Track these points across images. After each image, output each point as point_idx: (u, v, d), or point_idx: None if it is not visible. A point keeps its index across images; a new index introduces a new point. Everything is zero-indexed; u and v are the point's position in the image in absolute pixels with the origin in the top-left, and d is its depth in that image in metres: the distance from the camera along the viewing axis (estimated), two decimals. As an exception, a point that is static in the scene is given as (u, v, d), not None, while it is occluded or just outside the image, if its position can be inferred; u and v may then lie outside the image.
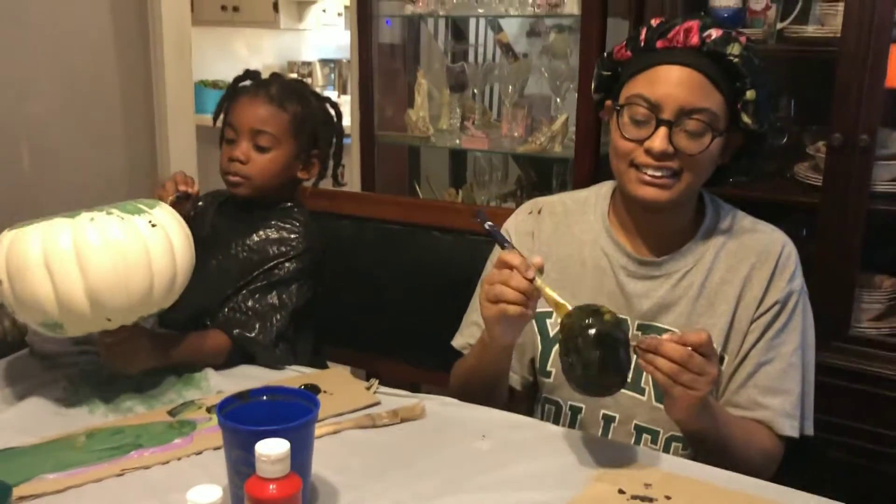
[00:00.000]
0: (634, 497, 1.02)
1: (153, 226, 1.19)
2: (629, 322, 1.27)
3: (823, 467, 1.61)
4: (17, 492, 0.98)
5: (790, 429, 1.22)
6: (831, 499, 1.03)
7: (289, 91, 1.53)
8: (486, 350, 1.22)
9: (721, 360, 1.23)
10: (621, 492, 1.03)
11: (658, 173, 1.18)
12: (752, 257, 1.25)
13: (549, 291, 1.09)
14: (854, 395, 1.61)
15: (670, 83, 1.16)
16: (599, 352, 1.01)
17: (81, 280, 1.12)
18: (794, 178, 1.83)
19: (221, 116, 1.56)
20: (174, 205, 1.37)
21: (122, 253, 1.14)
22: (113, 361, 1.27)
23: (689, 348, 1.02)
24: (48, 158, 2.66)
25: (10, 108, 2.54)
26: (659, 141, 1.16)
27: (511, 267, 1.09)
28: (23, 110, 2.58)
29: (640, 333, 1.26)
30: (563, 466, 1.10)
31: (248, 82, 1.57)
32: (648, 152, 1.17)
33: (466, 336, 1.39)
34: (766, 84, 1.19)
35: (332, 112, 1.61)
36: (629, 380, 1.23)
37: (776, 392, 1.22)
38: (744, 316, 1.23)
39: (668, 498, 1.02)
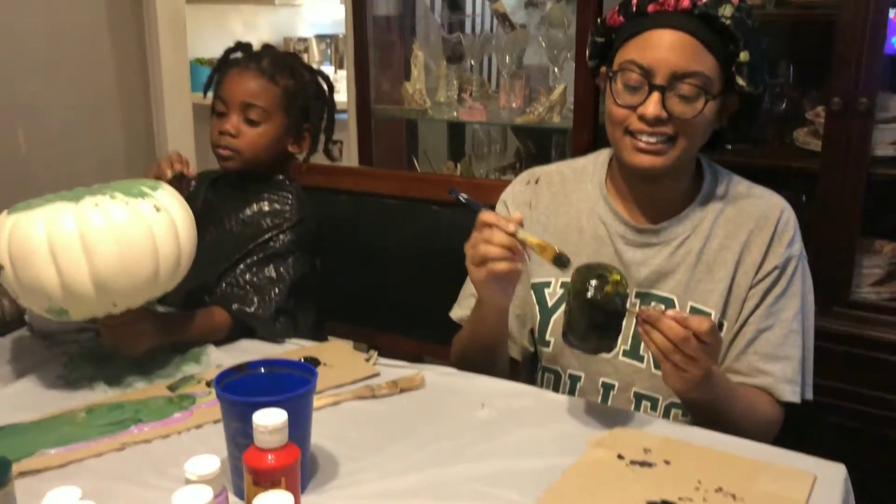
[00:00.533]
0: (633, 462, 1.02)
1: (157, 210, 1.19)
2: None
3: (823, 432, 1.62)
4: (18, 467, 0.98)
5: (791, 394, 1.22)
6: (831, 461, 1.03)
7: (280, 64, 1.52)
8: (482, 316, 1.23)
9: (720, 326, 1.23)
10: (620, 457, 1.03)
11: (652, 139, 1.17)
12: (751, 223, 1.24)
13: (531, 238, 1.09)
14: (854, 359, 1.62)
15: (662, 48, 1.15)
16: (590, 315, 1.03)
17: (87, 266, 1.11)
18: (794, 143, 1.82)
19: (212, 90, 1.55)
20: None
21: (127, 238, 1.13)
22: (116, 344, 1.27)
23: (689, 331, 1.01)
24: (45, 140, 2.66)
25: (5, 91, 2.53)
26: (652, 107, 1.15)
27: (490, 225, 1.09)
28: (18, 92, 2.57)
29: (638, 301, 1.26)
30: (562, 433, 1.10)
31: (239, 54, 1.55)
32: (642, 118, 1.16)
33: (465, 307, 1.39)
34: (759, 45, 1.18)
35: (324, 86, 1.60)
36: (628, 347, 1.24)
37: (776, 358, 1.22)
38: (742, 282, 1.23)
39: (667, 462, 1.02)
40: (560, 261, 1.09)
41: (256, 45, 1.59)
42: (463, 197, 1.18)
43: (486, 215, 1.11)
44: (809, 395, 1.25)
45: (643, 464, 1.02)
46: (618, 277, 1.05)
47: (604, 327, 1.05)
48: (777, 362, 1.22)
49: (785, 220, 1.24)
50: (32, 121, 2.62)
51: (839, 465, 1.02)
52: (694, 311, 1.23)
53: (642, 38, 1.17)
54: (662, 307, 1.07)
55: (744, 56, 1.16)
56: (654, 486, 0.96)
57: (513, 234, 1.08)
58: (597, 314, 1.03)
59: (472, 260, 1.11)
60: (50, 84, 2.65)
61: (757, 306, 1.23)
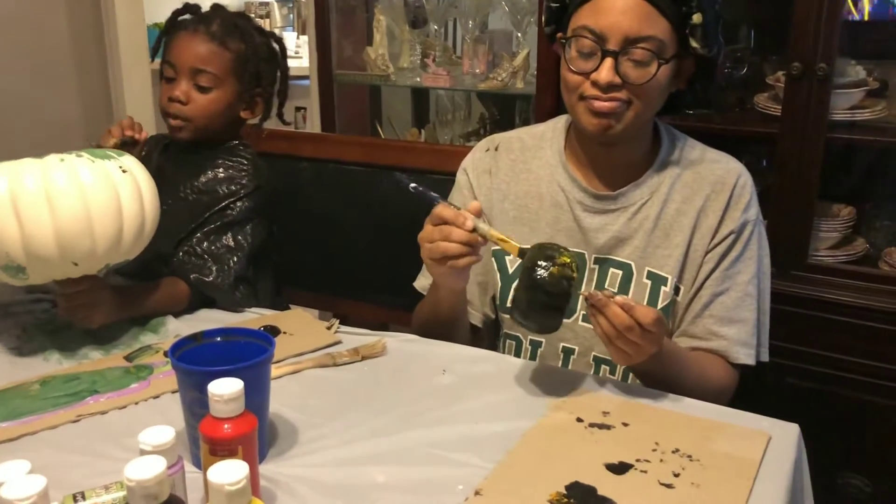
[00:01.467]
0: (592, 425, 1.03)
1: (123, 171, 1.16)
2: (586, 256, 1.27)
3: (780, 393, 1.65)
4: (-30, 440, 0.97)
5: (745, 356, 1.23)
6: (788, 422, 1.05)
7: (230, 27, 1.48)
8: (440, 298, 1.24)
9: (676, 290, 1.24)
10: (579, 420, 1.04)
11: (607, 105, 1.17)
12: (707, 188, 1.24)
13: (493, 233, 1.09)
14: (811, 321, 1.64)
15: (615, 12, 1.14)
16: (535, 295, 1.03)
17: (51, 221, 1.09)
18: (755, 108, 1.82)
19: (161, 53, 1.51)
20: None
21: (93, 195, 1.11)
22: (73, 315, 1.24)
23: (633, 321, 1.02)
24: (0, 107, 2.58)
25: (-47, 55, 2.45)
26: (605, 73, 1.15)
27: (446, 222, 1.08)
28: (-32, 57, 2.49)
29: (596, 267, 1.26)
30: (521, 398, 1.11)
31: (187, 17, 1.51)
32: (595, 84, 1.16)
33: (428, 277, 1.38)
34: (713, 6, 1.17)
35: (276, 47, 1.57)
36: (575, 318, 1.24)
37: (731, 321, 1.23)
38: (699, 246, 1.24)
39: (625, 424, 1.03)
40: (524, 254, 1.08)
41: (206, 7, 1.55)
42: (413, 187, 1.15)
43: (443, 211, 1.09)
44: (765, 357, 1.27)
45: (602, 426, 1.03)
46: (566, 259, 1.04)
47: (546, 307, 1.05)
48: (732, 325, 1.23)
49: (742, 185, 1.25)
50: (-14, 89, 2.55)
51: (793, 425, 1.04)
52: (651, 276, 1.24)
53: (594, 3, 1.16)
54: (611, 291, 1.06)
55: (697, 18, 1.15)
56: (612, 448, 0.98)
57: (472, 230, 1.07)
58: (541, 294, 1.04)
59: (430, 255, 1.10)
60: (2, 49, 2.57)
61: (713, 270, 1.24)
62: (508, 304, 1.07)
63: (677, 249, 1.24)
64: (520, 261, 1.28)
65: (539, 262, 1.04)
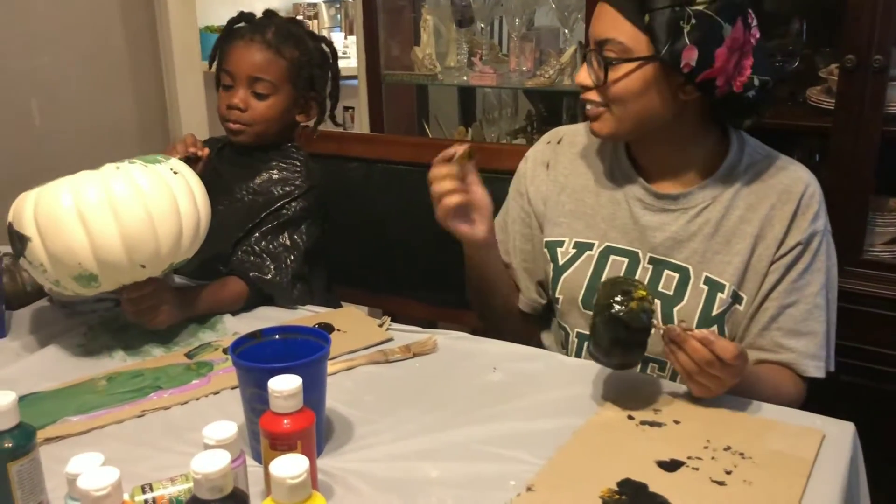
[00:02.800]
0: (643, 422, 1.03)
1: (175, 173, 1.21)
2: (640, 255, 1.26)
3: (834, 390, 1.62)
4: (42, 434, 1.01)
5: (815, 370, 1.21)
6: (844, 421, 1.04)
7: (285, 35, 1.51)
8: (468, 256, 1.31)
9: (736, 298, 1.22)
10: (630, 417, 1.05)
11: (588, 106, 1.21)
12: (773, 197, 1.21)
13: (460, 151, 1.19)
14: (866, 318, 1.61)
15: (595, 19, 1.19)
16: (616, 333, 1.03)
17: (117, 228, 1.13)
18: (807, 102, 1.80)
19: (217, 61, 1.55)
20: None
21: (152, 199, 1.16)
22: (139, 318, 1.28)
23: (714, 356, 1.00)
24: (59, 112, 2.67)
25: (18, 64, 2.54)
26: (579, 74, 1.21)
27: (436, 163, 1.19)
28: (31, 65, 2.57)
29: (651, 268, 1.25)
30: (573, 396, 1.11)
31: (242, 25, 1.54)
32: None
33: None
34: (672, 6, 1.11)
35: (328, 51, 1.60)
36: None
37: (800, 334, 1.20)
38: (763, 256, 1.21)
39: (676, 422, 1.03)
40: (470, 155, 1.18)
41: (261, 13, 1.58)
42: None
43: (431, 171, 1.21)
44: (832, 367, 1.24)
45: (653, 424, 1.03)
46: (643, 293, 1.04)
47: (628, 343, 1.04)
48: (801, 338, 1.20)
49: (810, 195, 1.21)
50: (46, 92, 2.63)
51: (848, 424, 1.03)
52: (709, 281, 1.22)
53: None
54: (686, 324, 1.04)
55: (647, 19, 1.13)
56: (663, 446, 0.98)
57: (451, 159, 1.17)
58: (621, 330, 1.03)
59: (433, 199, 1.21)
60: (62, 55, 2.65)
61: (779, 282, 1.21)
62: (588, 342, 1.09)
63: (737, 257, 1.21)
64: (572, 252, 1.30)
65: (615, 299, 1.03)
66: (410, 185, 1.86)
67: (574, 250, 1.30)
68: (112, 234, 1.13)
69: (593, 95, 1.19)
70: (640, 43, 1.14)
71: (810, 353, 1.21)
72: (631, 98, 1.17)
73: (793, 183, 1.22)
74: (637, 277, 1.25)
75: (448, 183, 1.18)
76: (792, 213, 1.20)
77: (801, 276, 1.21)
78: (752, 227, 1.21)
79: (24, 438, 0.83)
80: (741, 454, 0.96)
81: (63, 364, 1.23)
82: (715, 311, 1.21)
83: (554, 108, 2.47)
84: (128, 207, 1.14)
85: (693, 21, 1.11)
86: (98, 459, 0.77)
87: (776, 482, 0.91)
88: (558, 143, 1.38)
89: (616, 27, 1.15)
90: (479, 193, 1.25)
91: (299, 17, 4.18)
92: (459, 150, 1.19)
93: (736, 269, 1.21)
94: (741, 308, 1.22)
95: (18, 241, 1.15)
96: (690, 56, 1.11)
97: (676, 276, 1.24)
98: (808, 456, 0.95)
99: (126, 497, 0.72)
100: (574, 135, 1.37)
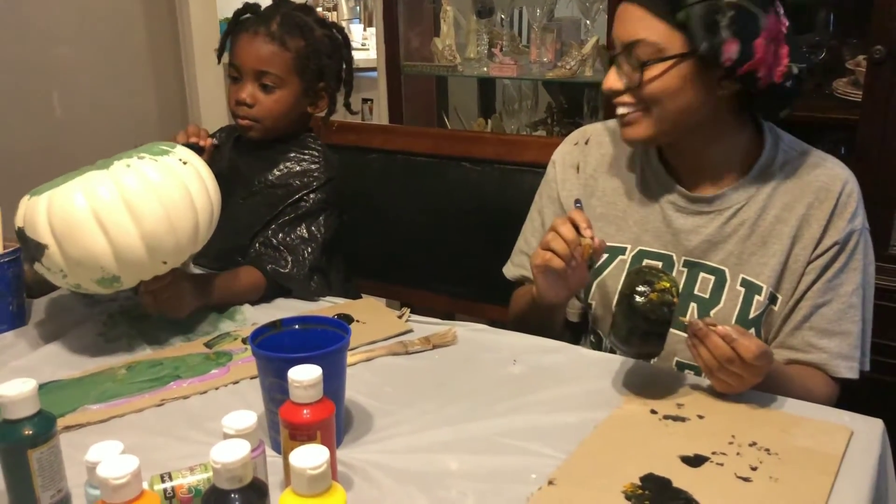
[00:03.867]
0: (667, 417, 1.02)
1: (184, 163, 1.19)
2: (674, 259, 1.24)
3: (862, 386, 1.60)
4: (62, 422, 1.01)
5: (847, 370, 1.18)
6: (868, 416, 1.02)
7: (290, 25, 1.48)
8: (536, 304, 1.23)
9: (773, 299, 1.19)
10: (653, 412, 1.03)
11: (622, 111, 1.17)
12: (810, 195, 1.18)
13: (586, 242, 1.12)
14: (892, 314, 1.59)
15: (619, 21, 1.15)
16: (635, 322, 1.03)
17: (136, 227, 1.11)
18: (833, 94, 1.77)
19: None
20: None
21: (166, 193, 1.14)
22: (161, 308, 1.27)
23: (735, 353, 0.99)
24: (79, 104, 2.68)
25: (38, 56, 2.55)
26: (608, 79, 1.17)
27: (573, 223, 1.12)
28: (51, 57, 2.59)
29: (685, 271, 1.22)
30: (594, 389, 1.10)
31: (248, 16, 1.52)
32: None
33: (517, 265, 1.41)
34: (705, 1, 1.09)
35: (339, 38, 1.57)
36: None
37: (832, 334, 1.18)
38: (800, 256, 1.18)
39: (700, 417, 1.02)
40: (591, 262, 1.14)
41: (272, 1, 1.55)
42: None
43: (576, 214, 1.13)
44: (867, 367, 1.21)
45: (676, 418, 1.02)
46: (666, 284, 1.03)
47: (647, 334, 1.03)
48: (833, 338, 1.18)
49: (847, 193, 1.18)
50: (66, 83, 2.64)
51: (877, 420, 1.01)
52: (745, 283, 1.20)
53: (615, 15, 1.18)
54: (712, 319, 1.03)
55: (681, 16, 1.10)
56: (687, 441, 0.96)
57: (581, 234, 1.11)
58: (640, 321, 1.02)
59: (541, 244, 1.14)
60: (82, 46, 2.66)
61: (814, 281, 1.18)
62: (609, 330, 1.08)
63: (774, 258, 1.19)
64: (605, 257, 1.28)
65: (637, 289, 1.02)
66: (430, 176, 1.85)
67: (607, 255, 1.28)
68: (132, 235, 1.11)
69: (627, 99, 1.16)
70: (674, 40, 1.11)
71: (843, 354, 1.18)
72: (668, 97, 1.13)
73: (830, 181, 1.18)
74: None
75: (563, 246, 1.11)
76: (830, 212, 1.17)
77: (836, 275, 1.18)
78: (788, 227, 1.19)
79: (44, 426, 0.83)
80: (767, 450, 0.94)
81: (83, 352, 1.23)
82: (752, 314, 1.19)
83: (575, 99, 2.46)
84: (145, 206, 1.12)
85: (730, 13, 1.08)
86: (118, 448, 0.77)
87: (803, 479, 0.89)
88: (586, 143, 1.35)
89: (646, 27, 1.12)
90: (581, 276, 1.17)
91: (318, 8, 4.18)
92: (597, 244, 1.12)
93: (773, 271, 1.19)
94: (776, 309, 1.20)
95: (34, 248, 1.13)
96: (731, 49, 1.08)
97: (712, 278, 1.21)
98: (836, 453, 0.94)
99: (145, 485, 0.72)
100: (600, 134, 1.35)
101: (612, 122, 1.34)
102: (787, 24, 1.14)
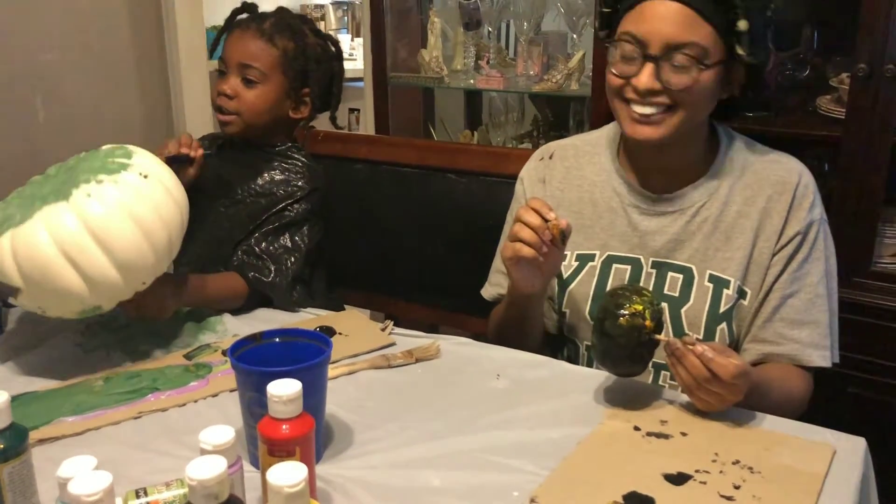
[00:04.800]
0: (650, 434, 1.01)
1: (145, 177, 1.14)
2: (642, 261, 1.25)
3: (843, 403, 1.60)
4: (36, 434, 0.99)
5: (820, 359, 1.20)
6: (850, 434, 1.02)
7: (282, 26, 1.50)
8: (512, 300, 1.25)
9: (741, 293, 1.21)
10: (637, 428, 1.03)
11: (648, 110, 1.16)
12: (768, 189, 1.22)
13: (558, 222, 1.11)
14: (874, 330, 1.59)
15: (656, 19, 1.13)
16: (607, 346, 1.05)
17: (106, 257, 1.08)
18: (817, 111, 1.78)
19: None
20: (177, 171, 1.28)
21: (133, 214, 1.10)
22: (144, 313, 1.25)
23: (711, 373, 0.99)
24: (63, 108, 2.65)
25: (23, 59, 2.52)
26: (645, 78, 1.14)
27: (534, 209, 1.12)
28: (35, 61, 2.56)
29: (654, 272, 1.24)
30: (578, 405, 1.09)
31: (244, 16, 1.54)
32: (636, 90, 1.15)
33: (495, 285, 1.40)
34: (762, 12, 1.14)
35: (332, 49, 1.58)
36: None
37: (803, 324, 1.20)
38: (764, 249, 1.21)
39: (683, 434, 1.01)
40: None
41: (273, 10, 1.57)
42: None
43: (534, 202, 1.13)
44: (836, 359, 1.23)
45: (659, 435, 1.01)
46: (638, 307, 1.03)
47: (620, 357, 1.06)
48: (803, 328, 1.20)
49: (804, 185, 1.22)
50: (50, 87, 2.61)
51: (859, 439, 1.01)
52: (713, 278, 1.21)
53: (638, 10, 1.15)
54: (692, 338, 1.04)
55: (742, 24, 1.12)
56: (670, 458, 0.96)
57: (546, 220, 1.11)
58: (611, 345, 1.05)
59: (509, 237, 1.14)
60: (67, 51, 2.64)
61: (781, 273, 1.21)
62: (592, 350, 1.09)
63: (739, 252, 1.21)
64: (575, 265, 1.28)
65: (610, 311, 1.04)
66: (415, 187, 1.84)
67: (577, 263, 1.29)
68: (104, 265, 1.08)
69: (662, 99, 1.15)
70: (718, 45, 1.13)
71: (814, 343, 1.20)
72: (703, 100, 1.17)
73: (787, 174, 1.23)
74: (641, 283, 1.24)
75: (530, 234, 1.11)
76: (789, 203, 1.21)
77: (801, 265, 1.21)
78: (750, 221, 1.22)
79: (16, 439, 0.81)
80: (750, 468, 0.94)
81: (60, 363, 1.21)
82: (722, 308, 1.21)
83: (560, 113, 2.46)
84: (113, 234, 1.08)
85: (771, 26, 1.14)
86: (91, 463, 0.75)
87: (787, 498, 0.89)
88: (550, 157, 1.37)
89: (695, 30, 1.12)
90: (553, 261, 1.17)
91: (306, 18, 4.18)
92: (563, 224, 1.11)
93: (739, 264, 1.21)
94: (746, 303, 1.22)
95: (7, 290, 1.10)
96: (770, 60, 1.13)
97: (680, 276, 1.23)
98: (819, 471, 0.93)
99: (119, 501, 0.70)
100: (564, 149, 1.36)
101: (574, 138, 1.39)
102: None
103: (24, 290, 1.09)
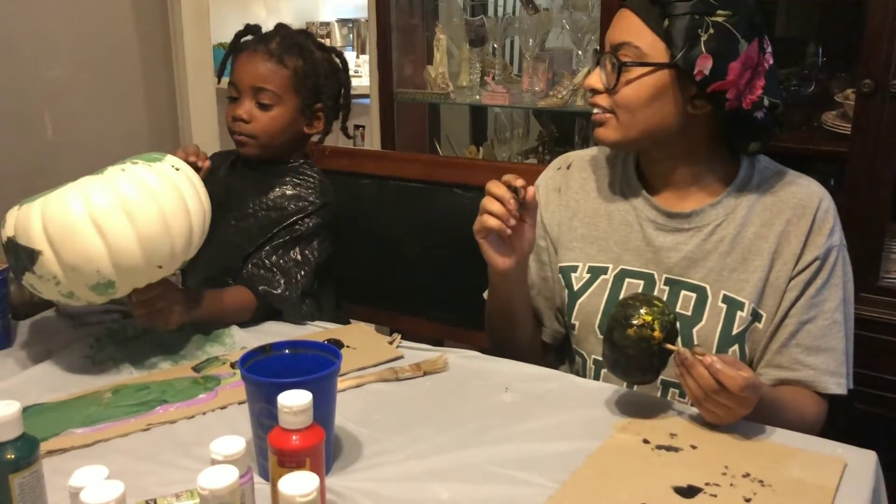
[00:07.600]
0: (659, 447, 1.01)
1: (176, 169, 1.19)
2: (655, 277, 1.24)
3: (852, 419, 1.59)
4: (46, 445, 0.99)
5: (835, 386, 1.18)
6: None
7: (289, 44, 1.51)
8: (492, 283, 1.27)
9: (756, 316, 1.20)
10: (646, 441, 1.02)
11: (595, 110, 1.21)
12: (788, 212, 1.20)
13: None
14: (882, 346, 1.59)
15: (614, 23, 1.19)
16: (616, 356, 1.06)
17: (132, 230, 1.11)
18: (822, 126, 1.79)
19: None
20: None
21: (161, 197, 1.14)
22: (151, 320, 1.26)
23: (720, 385, 0.99)
24: (71, 125, 2.67)
25: (31, 76, 2.54)
26: (590, 77, 1.20)
27: (506, 182, 1.15)
28: (44, 77, 2.58)
29: (667, 289, 1.23)
30: (586, 418, 1.09)
31: (249, 38, 1.55)
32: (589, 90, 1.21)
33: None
34: (688, 11, 1.12)
35: (338, 62, 1.59)
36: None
37: (819, 350, 1.18)
38: (781, 272, 1.19)
39: (693, 447, 1.01)
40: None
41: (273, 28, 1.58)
42: None
43: (506, 176, 1.16)
44: (851, 385, 1.22)
45: (669, 448, 1.01)
46: (647, 318, 1.03)
47: (629, 367, 1.06)
48: (819, 354, 1.18)
49: (824, 209, 1.20)
50: (58, 105, 2.63)
51: (870, 452, 1.01)
52: (727, 299, 1.20)
53: (614, 19, 1.21)
54: (701, 350, 1.03)
55: (666, 24, 1.13)
56: (680, 471, 0.96)
57: (509, 187, 1.13)
58: (620, 356, 1.05)
59: (477, 224, 1.17)
60: (75, 69, 2.66)
61: (798, 298, 1.19)
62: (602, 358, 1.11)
63: (755, 274, 1.20)
64: (587, 277, 1.28)
65: (619, 321, 1.04)
66: (422, 202, 1.85)
67: (588, 275, 1.29)
68: (129, 237, 1.11)
69: (601, 100, 1.19)
70: (657, 50, 1.14)
71: (830, 370, 1.19)
72: (639, 105, 1.17)
73: (807, 198, 1.21)
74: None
75: (498, 206, 1.13)
76: (808, 228, 1.19)
77: (819, 291, 1.19)
78: (768, 244, 1.20)
79: (26, 450, 0.81)
80: (761, 481, 0.93)
81: (69, 375, 1.21)
82: (735, 330, 1.19)
83: (566, 129, 2.47)
84: (141, 209, 1.12)
85: (711, 31, 1.12)
86: (102, 473, 0.75)
87: (797, 511, 0.88)
88: (568, 167, 1.37)
89: (635, 32, 1.16)
90: (526, 235, 1.19)
91: (312, 36, 4.20)
92: (530, 192, 1.14)
93: (754, 287, 1.20)
94: (760, 326, 1.21)
95: (26, 256, 1.11)
96: (705, 64, 1.12)
97: (694, 295, 1.22)
98: (830, 485, 0.93)
99: (130, 512, 0.71)
100: (582, 159, 1.37)
101: (594, 150, 1.38)
102: (771, 62, 1.18)
103: (44, 255, 1.10)
